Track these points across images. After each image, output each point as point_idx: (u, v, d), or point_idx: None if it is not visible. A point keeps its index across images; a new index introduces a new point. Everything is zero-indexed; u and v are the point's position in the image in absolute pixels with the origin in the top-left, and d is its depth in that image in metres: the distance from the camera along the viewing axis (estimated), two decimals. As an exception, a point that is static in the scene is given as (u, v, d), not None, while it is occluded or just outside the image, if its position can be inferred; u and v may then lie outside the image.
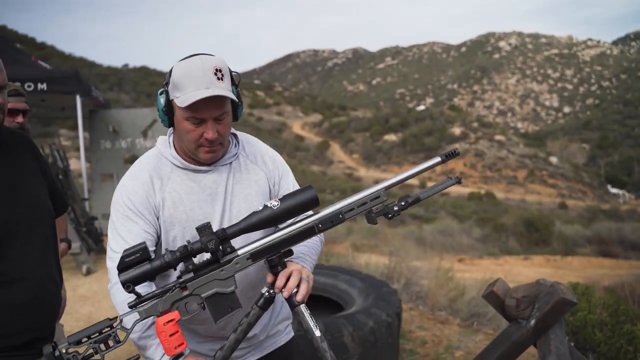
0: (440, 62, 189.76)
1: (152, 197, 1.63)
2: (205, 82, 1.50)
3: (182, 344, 1.40)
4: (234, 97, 1.56)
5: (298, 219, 1.50)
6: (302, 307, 1.49)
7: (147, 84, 63.70)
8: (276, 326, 1.89)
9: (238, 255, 1.45)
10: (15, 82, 5.93)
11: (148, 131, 8.26)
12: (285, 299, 1.50)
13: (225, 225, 1.60)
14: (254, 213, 1.46)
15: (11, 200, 1.66)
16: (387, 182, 1.52)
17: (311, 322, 1.48)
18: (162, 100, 1.60)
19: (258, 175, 1.75)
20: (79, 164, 8.81)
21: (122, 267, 1.36)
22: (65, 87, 6.67)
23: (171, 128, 1.68)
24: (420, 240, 14.74)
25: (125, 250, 1.37)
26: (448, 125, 62.48)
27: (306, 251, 1.70)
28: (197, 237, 1.46)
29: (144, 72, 74.61)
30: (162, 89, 1.61)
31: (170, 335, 1.38)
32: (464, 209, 30.43)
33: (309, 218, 1.50)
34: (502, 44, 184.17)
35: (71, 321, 4.52)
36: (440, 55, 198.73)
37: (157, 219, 1.65)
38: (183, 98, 1.51)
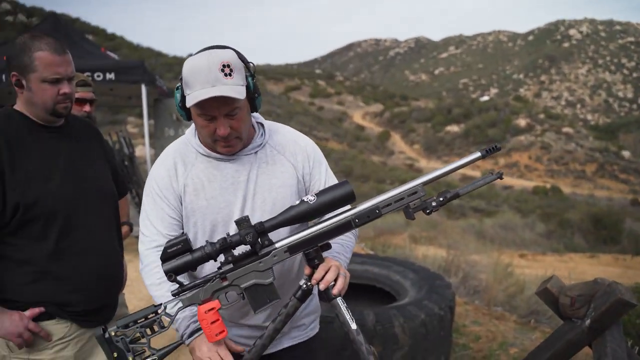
0: (506, 51, 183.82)
1: (175, 182, 1.67)
2: (211, 79, 1.48)
3: (223, 331, 1.46)
4: (237, 96, 1.51)
5: (335, 213, 1.51)
6: (339, 300, 1.51)
7: (211, 73, 65.19)
8: (302, 319, 1.87)
9: (276, 248, 1.48)
10: (85, 73, 6.22)
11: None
12: (322, 292, 1.52)
13: (248, 214, 1.62)
14: (291, 207, 1.48)
15: (80, 179, 1.85)
16: (425, 178, 1.51)
17: (347, 315, 1.50)
18: (178, 95, 1.61)
19: (285, 166, 1.73)
20: (144, 150, 9.16)
21: (164, 258, 1.42)
22: (132, 76, 6.92)
23: None
24: (480, 234, 14.46)
25: (168, 242, 1.43)
26: (513, 117, 60.57)
27: (341, 250, 1.71)
28: (216, 224, 1.52)
29: (208, 62, 76.22)
30: (178, 84, 1.61)
31: (212, 322, 1.44)
32: (527, 203, 29.55)
33: (345, 213, 1.50)
34: (572, 32, 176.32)
35: (134, 300, 4.73)
36: (506, 44, 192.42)
37: (181, 204, 1.68)
38: (191, 96, 1.50)
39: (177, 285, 1.46)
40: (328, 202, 1.47)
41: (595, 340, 2.13)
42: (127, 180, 6.76)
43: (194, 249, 1.44)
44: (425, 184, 1.49)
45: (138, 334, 1.44)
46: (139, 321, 1.44)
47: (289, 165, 1.74)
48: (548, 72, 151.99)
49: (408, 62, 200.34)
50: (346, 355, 3.10)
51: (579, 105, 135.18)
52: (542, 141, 55.17)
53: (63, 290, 1.79)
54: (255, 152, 1.70)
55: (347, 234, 1.65)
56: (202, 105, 1.50)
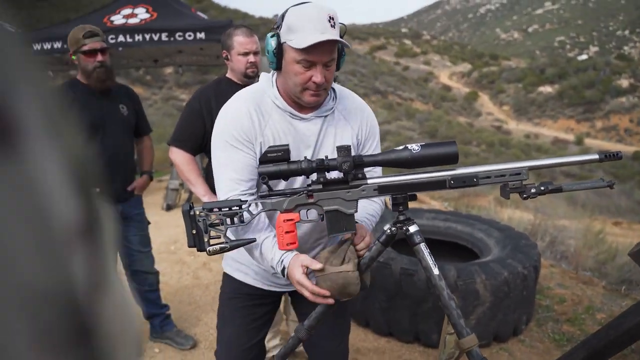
0: (609, 5, 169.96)
1: (252, 130, 1.65)
2: (320, 27, 1.52)
3: (294, 243, 1.53)
4: (347, 44, 1.58)
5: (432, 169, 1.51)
6: (422, 245, 1.53)
7: (297, 33, 65.57)
8: None
9: (367, 184, 1.51)
10: (177, 32, 6.43)
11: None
12: (408, 236, 1.55)
13: None
14: (393, 150, 1.49)
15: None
16: (533, 162, 1.49)
17: (430, 261, 1.52)
18: (273, 42, 1.61)
19: (347, 131, 1.75)
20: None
21: (262, 160, 1.48)
22: (220, 35, 7.07)
23: (273, 71, 1.71)
24: (571, 199, 13.79)
25: (270, 147, 1.48)
26: (614, 77, 56.43)
27: (371, 218, 1.78)
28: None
29: (294, 22, 76.42)
30: (272, 33, 1.63)
31: (286, 232, 1.51)
32: (626, 168, 27.78)
33: (444, 171, 1.50)
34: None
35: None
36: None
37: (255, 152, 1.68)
38: (299, 40, 1.53)
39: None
40: (430, 156, 1.46)
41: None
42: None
43: (291, 160, 1.49)
44: (531, 168, 1.48)
45: (218, 220, 1.51)
46: (223, 209, 1.51)
47: (350, 129, 1.77)
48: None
49: (500, 20, 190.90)
50: (426, 308, 3.14)
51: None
52: (646, 103, 51.18)
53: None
54: (325, 116, 1.73)
55: (377, 203, 1.78)
56: (309, 50, 1.53)
